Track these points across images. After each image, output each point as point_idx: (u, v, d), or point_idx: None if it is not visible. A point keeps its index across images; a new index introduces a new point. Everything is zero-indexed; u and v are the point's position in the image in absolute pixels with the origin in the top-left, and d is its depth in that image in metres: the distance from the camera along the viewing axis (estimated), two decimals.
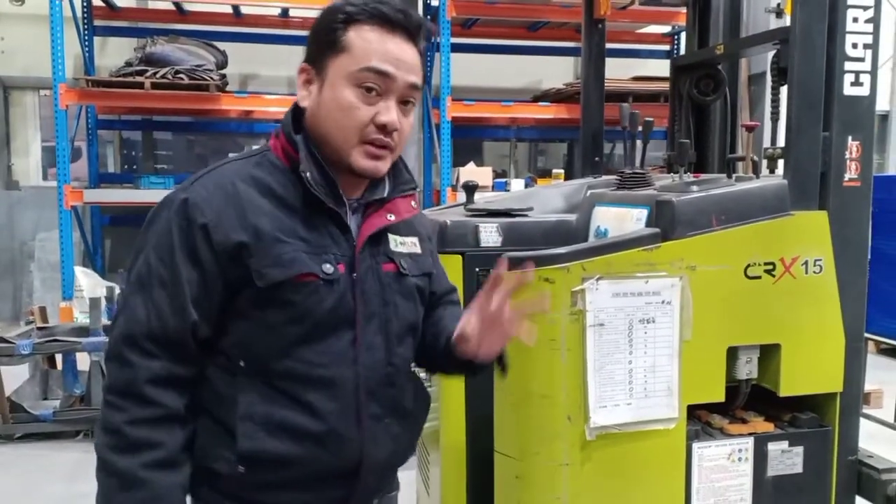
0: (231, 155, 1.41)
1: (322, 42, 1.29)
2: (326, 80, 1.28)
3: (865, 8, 1.92)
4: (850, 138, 1.94)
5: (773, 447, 1.92)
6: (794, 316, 1.90)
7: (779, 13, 7.18)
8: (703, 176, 2.37)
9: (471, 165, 7.41)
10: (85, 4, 7.53)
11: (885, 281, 3.70)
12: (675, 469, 1.85)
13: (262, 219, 1.25)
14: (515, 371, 1.82)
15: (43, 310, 5.41)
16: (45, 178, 8.32)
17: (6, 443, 4.47)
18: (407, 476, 1.50)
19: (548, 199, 2.52)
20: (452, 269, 1.83)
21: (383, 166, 1.32)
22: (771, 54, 2.14)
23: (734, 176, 2.04)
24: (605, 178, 2.59)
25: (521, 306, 1.33)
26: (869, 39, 1.93)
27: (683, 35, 6.92)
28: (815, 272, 1.89)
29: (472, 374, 1.51)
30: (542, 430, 1.78)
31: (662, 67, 7.71)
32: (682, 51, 7.78)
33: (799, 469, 1.94)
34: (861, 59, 1.93)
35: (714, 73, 2.68)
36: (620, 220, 2.08)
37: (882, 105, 9.07)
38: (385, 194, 1.39)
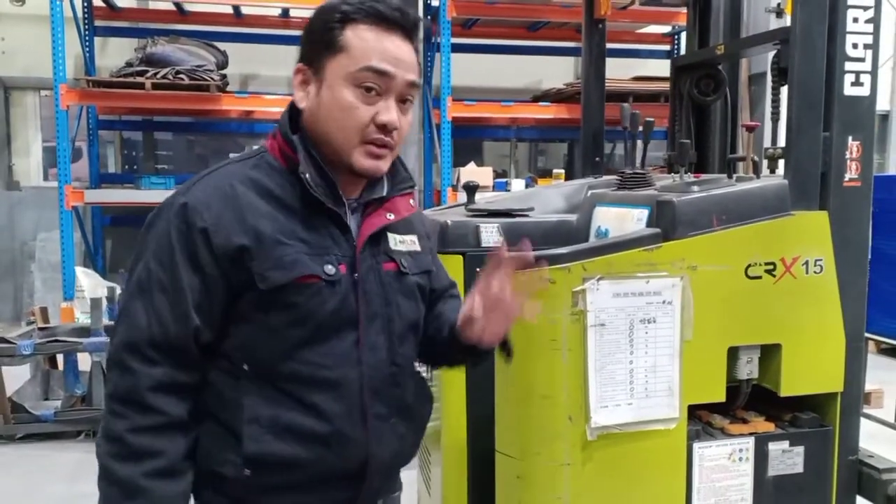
0: (232, 155, 1.41)
1: (318, 42, 1.29)
2: (325, 80, 1.28)
3: (866, 8, 1.92)
4: (850, 138, 1.95)
5: (773, 447, 1.92)
6: (795, 316, 1.90)
7: (779, 13, 7.18)
8: (704, 176, 2.37)
9: (471, 165, 7.41)
10: (85, 5, 7.53)
11: (886, 281, 3.70)
12: (676, 469, 1.85)
13: (262, 221, 1.25)
14: (517, 371, 1.83)
15: (44, 310, 5.41)
16: (45, 178, 8.32)
17: (7, 443, 4.47)
18: (408, 476, 1.51)
19: (548, 200, 2.52)
20: (453, 269, 1.84)
21: (384, 165, 1.32)
22: (771, 54, 2.14)
23: (735, 176, 2.04)
24: (605, 178, 2.60)
25: (521, 286, 1.33)
26: (869, 40, 1.93)
27: (684, 35, 6.93)
28: (815, 272, 1.90)
29: (476, 360, 1.50)
30: (544, 430, 1.79)
31: (663, 67, 7.71)
32: (683, 51, 7.78)
33: (800, 469, 1.94)
34: (861, 60, 1.93)
35: (714, 73, 2.69)
36: (621, 220, 2.08)
37: (882, 105, 9.07)
38: (384, 193, 1.38)
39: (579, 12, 2.93)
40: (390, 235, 1.39)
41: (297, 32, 1.41)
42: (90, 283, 6.55)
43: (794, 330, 1.90)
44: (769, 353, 1.92)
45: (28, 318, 6.54)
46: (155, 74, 6.55)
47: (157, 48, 6.80)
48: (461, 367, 1.65)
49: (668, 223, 1.81)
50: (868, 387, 4.30)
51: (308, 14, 1.36)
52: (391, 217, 1.38)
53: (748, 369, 1.91)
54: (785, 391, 1.92)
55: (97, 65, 7.73)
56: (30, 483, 3.94)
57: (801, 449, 1.94)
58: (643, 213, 1.94)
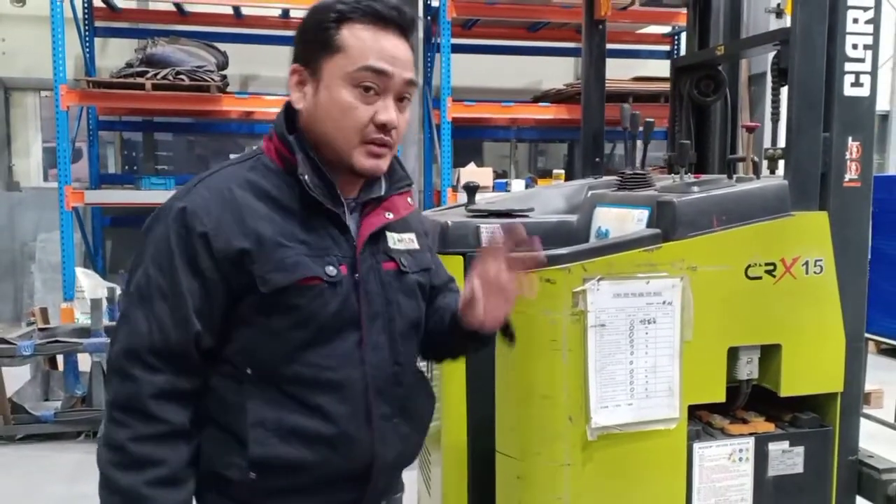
0: (232, 156, 1.40)
1: (314, 42, 1.28)
2: (322, 81, 1.27)
3: (865, 9, 1.92)
4: (850, 139, 1.95)
5: (773, 447, 1.92)
6: (795, 316, 1.90)
7: (779, 13, 7.18)
8: (704, 176, 2.38)
9: (471, 166, 7.42)
10: (86, 5, 7.54)
11: (886, 281, 3.70)
12: (676, 469, 1.85)
13: (262, 224, 1.24)
14: (517, 372, 1.83)
15: (44, 311, 5.41)
16: (45, 179, 8.33)
17: (7, 444, 4.48)
18: (408, 476, 1.51)
19: (549, 200, 2.52)
20: (454, 269, 1.83)
21: (384, 164, 1.32)
22: (771, 55, 2.14)
23: (735, 176, 2.05)
24: (605, 178, 2.60)
25: (518, 264, 1.32)
26: (869, 40, 1.93)
27: (683, 35, 6.93)
28: (815, 272, 1.90)
29: (478, 347, 1.48)
30: (544, 431, 1.79)
31: (662, 68, 7.72)
32: (683, 51, 7.78)
33: (799, 469, 1.94)
34: (861, 60, 1.93)
35: (714, 73, 2.69)
36: (621, 220, 2.08)
37: (882, 105, 9.07)
38: (382, 192, 1.38)
39: (579, 13, 2.93)
40: (389, 234, 1.38)
41: None
42: (90, 284, 6.56)
43: (794, 330, 1.90)
44: (769, 354, 1.92)
45: (28, 319, 6.55)
46: (155, 75, 6.56)
47: (157, 49, 6.81)
48: (463, 356, 1.63)
49: (668, 224, 1.81)
50: (868, 387, 4.30)
51: None
52: (390, 216, 1.38)
53: (748, 369, 1.91)
54: (785, 391, 1.92)
55: (97, 65, 7.74)
56: (30, 484, 3.94)
57: (801, 449, 1.94)
58: (643, 214, 1.94)
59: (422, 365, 1.52)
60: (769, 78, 2.11)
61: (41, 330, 4.94)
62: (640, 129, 2.30)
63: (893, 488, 2.00)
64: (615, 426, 1.78)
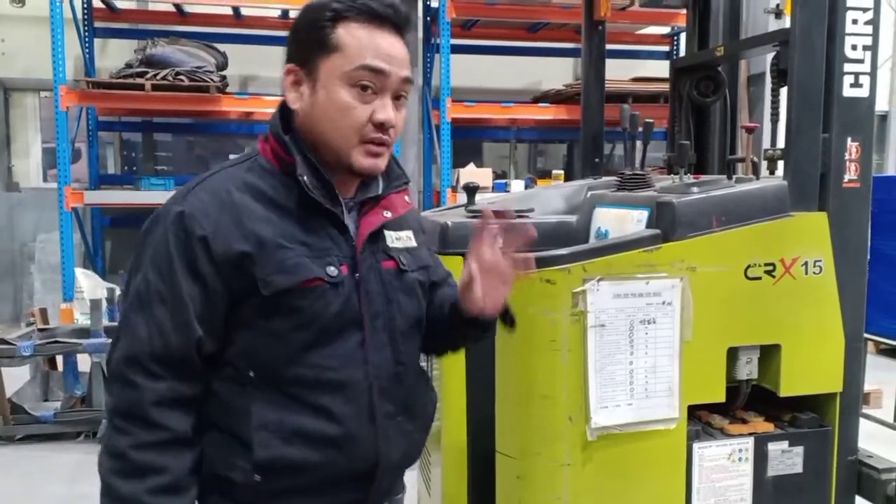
0: (232, 156, 1.40)
1: (309, 41, 1.27)
2: (319, 81, 1.26)
3: (865, 10, 1.92)
4: (849, 139, 1.95)
5: (773, 447, 1.92)
6: (794, 316, 1.90)
7: (778, 14, 7.19)
8: (703, 177, 2.38)
9: (471, 166, 7.42)
10: (85, 6, 7.54)
11: (885, 281, 3.71)
12: (676, 469, 1.85)
13: (262, 226, 1.23)
14: (517, 372, 1.83)
15: (44, 311, 5.42)
16: (45, 179, 8.33)
17: (7, 444, 4.48)
18: (408, 476, 1.51)
19: (548, 201, 2.53)
20: (454, 270, 1.84)
21: (382, 163, 1.31)
22: (770, 56, 2.14)
23: (734, 177, 2.05)
24: (605, 179, 2.60)
25: (511, 243, 1.33)
26: (868, 41, 1.94)
27: (683, 36, 6.93)
28: (814, 273, 1.90)
29: (479, 334, 1.46)
30: (544, 431, 1.79)
31: (662, 68, 7.72)
32: (682, 52, 7.79)
33: (799, 469, 1.94)
34: (860, 61, 1.93)
35: (714, 74, 2.69)
36: (621, 221, 2.08)
37: (881, 105, 9.08)
38: (380, 191, 1.37)
39: (579, 13, 2.94)
40: (387, 233, 1.38)
41: None
42: (90, 285, 6.56)
43: (794, 330, 1.91)
44: (769, 354, 1.92)
45: (28, 320, 6.55)
46: (155, 76, 6.56)
47: (156, 49, 6.81)
48: (464, 347, 1.62)
49: (667, 224, 1.82)
50: (867, 387, 4.31)
51: None
52: (388, 215, 1.37)
53: (748, 370, 1.91)
54: (784, 391, 1.92)
55: (97, 66, 7.73)
56: (29, 484, 3.94)
57: (800, 449, 1.94)
58: (643, 215, 1.95)
59: (422, 363, 1.52)
60: (768, 78, 2.11)
61: (41, 330, 4.94)
62: (640, 129, 2.31)
63: (893, 488, 2.00)
64: (615, 426, 1.78)
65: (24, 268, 7.94)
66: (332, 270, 1.26)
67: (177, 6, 7.72)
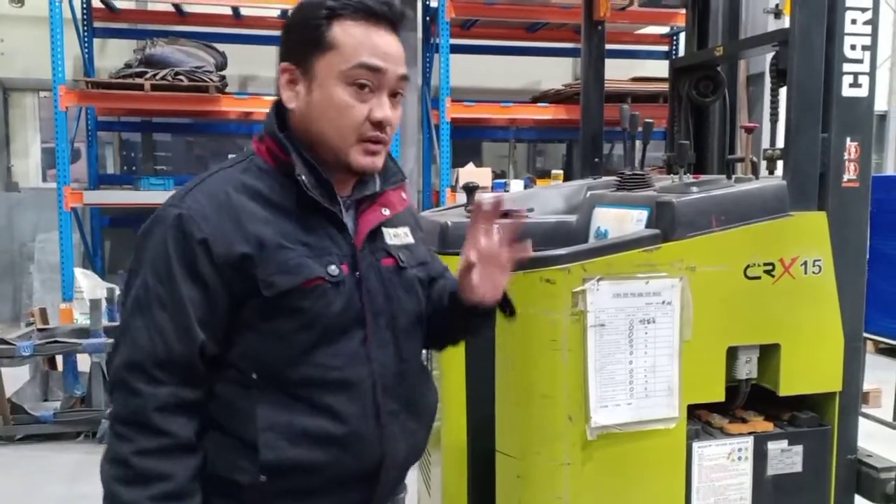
0: (232, 157, 1.39)
1: (304, 40, 1.26)
2: (315, 79, 1.26)
3: (864, 10, 1.93)
4: (848, 139, 1.95)
5: (772, 446, 1.93)
6: (794, 316, 1.91)
7: (777, 14, 7.19)
8: (703, 177, 2.38)
9: (470, 166, 7.42)
10: (85, 6, 7.54)
11: (884, 281, 3.71)
12: (676, 468, 1.86)
13: (261, 227, 1.23)
14: (517, 371, 1.84)
15: (43, 311, 5.42)
16: (44, 179, 8.32)
17: (7, 444, 4.48)
18: (408, 476, 1.51)
19: (548, 200, 2.53)
20: (455, 269, 1.84)
21: (380, 161, 1.31)
22: (770, 56, 2.15)
23: (733, 177, 2.05)
24: (604, 179, 2.60)
25: (507, 229, 1.33)
26: (867, 41, 1.94)
27: (682, 36, 6.94)
28: (814, 272, 1.90)
29: (480, 324, 1.45)
30: (544, 430, 1.79)
31: (661, 68, 7.73)
32: (681, 51, 7.80)
33: (798, 468, 1.94)
34: (859, 61, 1.94)
35: (713, 74, 2.69)
36: (620, 221, 2.09)
37: (880, 105, 9.09)
38: (377, 188, 1.37)
39: (578, 13, 2.94)
40: (384, 230, 1.37)
41: None
42: (89, 285, 6.56)
43: (793, 330, 1.91)
44: (768, 353, 1.92)
45: (27, 320, 6.55)
46: (154, 76, 6.56)
47: (156, 49, 6.81)
48: (465, 338, 1.61)
49: (667, 224, 1.82)
50: (866, 386, 4.31)
51: None
52: (386, 212, 1.37)
53: (747, 369, 1.92)
54: (784, 391, 1.93)
55: (96, 66, 7.73)
56: (29, 484, 3.94)
57: (799, 448, 1.94)
58: (642, 214, 1.95)
59: (423, 360, 1.52)
60: (767, 78, 2.12)
61: (40, 330, 4.94)
62: (639, 129, 2.31)
63: (892, 487, 2.01)
64: (615, 425, 1.78)
65: (23, 268, 7.95)
66: (333, 269, 1.26)
67: (176, 6, 7.72)
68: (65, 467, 4.13)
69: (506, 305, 1.46)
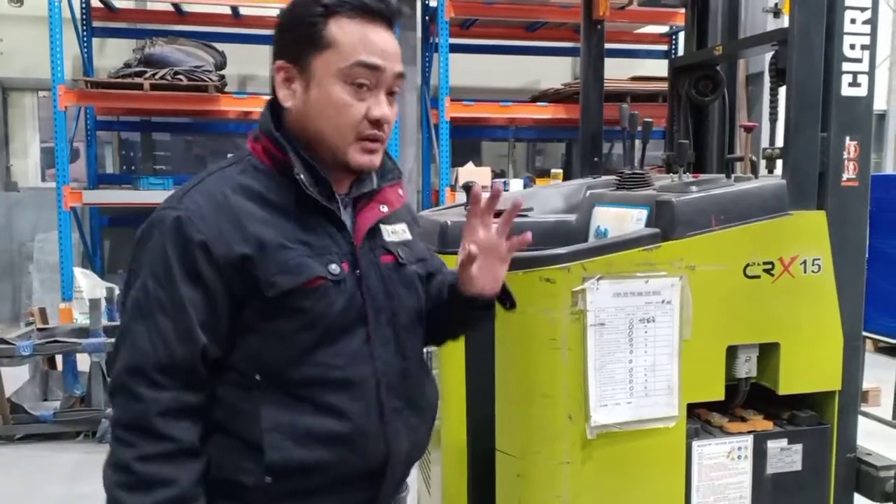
0: (230, 156, 1.38)
1: (300, 37, 1.25)
2: (313, 78, 1.25)
3: (863, 9, 1.93)
4: (847, 138, 1.96)
5: (772, 445, 1.93)
6: (793, 315, 1.91)
7: (776, 14, 7.20)
8: (702, 176, 2.38)
9: (469, 165, 7.42)
10: (84, 6, 7.54)
11: (883, 279, 3.71)
12: (676, 467, 1.86)
13: (261, 227, 1.22)
14: (517, 370, 1.84)
15: (42, 311, 5.42)
16: (43, 179, 8.32)
17: (7, 444, 4.48)
18: (409, 475, 1.51)
19: (547, 200, 2.53)
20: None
21: (377, 159, 1.31)
22: (769, 55, 2.15)
23: (733, 176, 2.05)
24: (604, 178, 2.60)
25: (504, 220, 1.33)
26: (866, 40, 1.94)
27: (681, 35, 6.93)
28: (813, 271, 1.91)
29: (479, 316, 1.44)
30: (543, 429, 1.79)
31: (660, 67, 7.74)
32: (680, 51, 7.80)
33: (798, 466, 1.95)
34: (859, 60, 1.94)
35: (712, 73, 2.69)
36: (620, 220, 2.09)
37: (879, 104, 9.09)
38: (374, 186, 1.36)
39: (577, 13, 2.94)
40: (382, 227, 1.37)
41: None
42: (88, 284, 6.56)
43: (793, 329, 1.91)
44: (767, 352, 1.92)
45: (27, 319, 6.56)
46: (153, 75, 6.56)
47: (155, 49, 6.81)
48: (465, 332, 1.60)
49: (666, 223, 1.82)
50: (866, 385, 4.32)
51: None
52: (385, 209, 1.37)
53: (747, 368, 1.92)
54: (783, 390, 1.93)
55: (95, 66, 7.73)
56: (29, 483, 3.94)
57: (799, 447, 1.95)
58: (642, 213, 1.95)
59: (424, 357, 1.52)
60: (767, 78, 2.12)
61: (40, 330, 4.95)
62: (639, 128, 2.31)
63: (891, 485, 2.01)
64: (614, 424, 1.78)
65: (22, 267, 7.95)
66: (333, 268, 1.25)
67: (175, 6, 7.72)
68: (64, 467, 4.13)
69: (505, 298, 1.46)
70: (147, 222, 1.24)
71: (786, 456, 1.94)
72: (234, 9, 7.63)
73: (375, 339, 1.30)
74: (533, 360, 1.79)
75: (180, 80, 6.60)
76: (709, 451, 1.89)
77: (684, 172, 2.26)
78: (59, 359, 4.90)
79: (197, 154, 9.25)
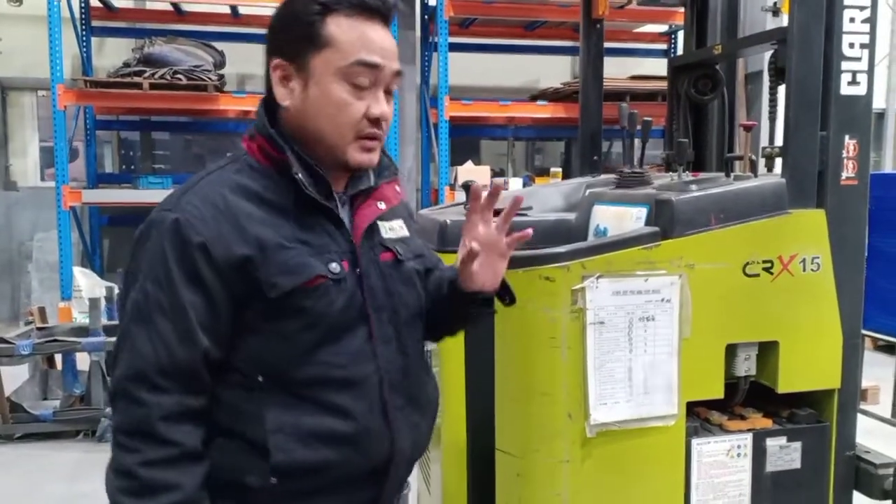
0: (230, 155, 1.37)
1: (298, 36, 1.24)
2: (311, 77, 1.24)
3: (862, 8, 1.93)
4: (847, 137, 1.96)
5: (771, 443, 1.93)
6: (792, 313, 1.91)
7: (776, 13, 7.20)
8: (702, 175, 2.38)
9: (469, 164, 7.42)
10: (83, 5, 7.54)
11: (882, 278, 3.72)
12: (675, 465, 1.86)
13: (260, 228, 1.21)
14: (516, 369, 1.84)
15: (42, 310, 5.42)
16: (42, 178, 8.33)
17: (6, 443, 4.48)
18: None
19: (547, 198, 2.53)
20: None
21: (376, 157, 1.31)
22: (768, 54, 2.15)
23: (732, 175, 2.06)
24: (603, 177, 2.61)
25: (503, 217, 1.34)
26: (865, 39, 1.94)
27: (680, 34, 6.94)
28: (812, 270, 1.91)
29: (479, 312, 1.43)
30: (543, 428, 1.80)
31: (659, 66, 7.74)
32: (679, 49, 7.80)
33: (797, 464, 1.95)
34: (858, 59, 1.94)
35: (712, 72, 2.70)
36: (620, 218, 2.09)
37: (878, 103, 9.09)
38: (371, 183, 1.36)
39: (576, 12, 2.94)
40: (380, 224, 1.37)
41: None
42: (88, 283, 6.56)
43: (792, 327, 1.92)
44: (767, 351, 1.93)
45: (26, 318, 6.56)
46: (152, 74, 6.56)
47: (154, 48, 6.81)
48: (464, 328, 1.60)
49: (666, 222, 1.82)
50: (865, 383, 4.31)
51: None
52: (383, 206, 1.36)
53: (746, 366, 1.92)
54: (782, 388, 1.93)
55: (94, 65, 7.73)
56: (29, 483, 3.95)
57: (798, 445, 1.95)
58: (642, 212, 1.95)
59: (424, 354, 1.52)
60: (766, 77, 2.12)
61: (39, 329, 4.95)
62: (638, 127, 2.31)
63: (890, 483, 2.01)
64: (614, 423, 1.79)
65: (21, 267, 7.94)
66: (334, 267, 1.25)
67: (174, 5, 7.72)
68: (64, 466, 4.13)
69: (505, 293, 1.46)
70: (145, 223, 1.23)
71: (785, 454, 1.94)
72: (233, 8, 7.62)
73: (377, 338, 1.30)
74: (532, 358, 1.80)
75: (179, 79, 6.60)
76: (708, 449, 1.89)
77: (684, 171, 2.26)
78: (58, 358, 4.90)
79: (196, 153, 9.25)
